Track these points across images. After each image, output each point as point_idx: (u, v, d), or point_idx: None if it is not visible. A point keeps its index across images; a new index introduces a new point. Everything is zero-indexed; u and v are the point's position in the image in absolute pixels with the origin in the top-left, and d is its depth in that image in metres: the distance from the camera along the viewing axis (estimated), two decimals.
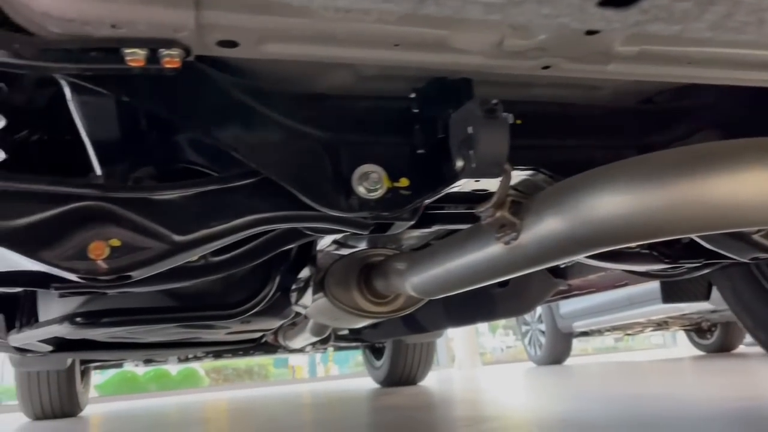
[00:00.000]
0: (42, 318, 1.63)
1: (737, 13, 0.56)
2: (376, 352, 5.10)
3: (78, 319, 1.39)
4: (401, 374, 4.76)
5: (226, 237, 0.91)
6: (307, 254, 1.57)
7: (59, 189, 0.81)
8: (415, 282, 1.25)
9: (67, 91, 0.94)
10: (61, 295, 1.26)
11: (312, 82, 0.95)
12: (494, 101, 0.81)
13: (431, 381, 5.14)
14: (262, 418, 3.26)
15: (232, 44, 0.74)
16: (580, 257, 0.90)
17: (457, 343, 9.03)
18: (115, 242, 0.84)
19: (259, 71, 0.90)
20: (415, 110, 0.97)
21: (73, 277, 0.85)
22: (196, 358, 4.30)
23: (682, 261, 1.41)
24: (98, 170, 1.07)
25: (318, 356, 13.84)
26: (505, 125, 0.82)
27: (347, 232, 1.01)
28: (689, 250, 1.36)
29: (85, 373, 4.55)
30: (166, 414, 4.43)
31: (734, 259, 1.26)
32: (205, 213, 0.89)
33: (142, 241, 0.85)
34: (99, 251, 0.83)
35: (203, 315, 1.49)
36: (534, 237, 0.87)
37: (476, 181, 1.02)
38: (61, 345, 2.02)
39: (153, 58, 0.72)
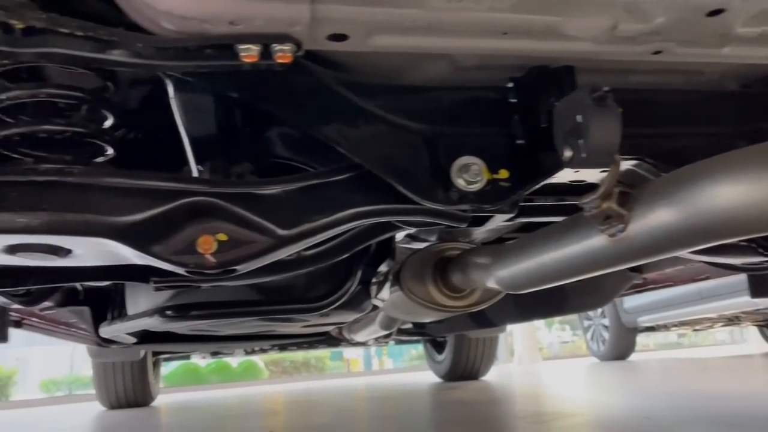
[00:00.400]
0: (130, 311, 1.69)
1: None
2: (438, 346, 5.09)
3: (168, 312, 1.43)
4: (464, 369, 4.74)
5: (327, 230, 0.91)
6: (387, 248, 1.57)
7: (171, 185, 0.83)
8: (503, 276, 1.23)
9: (170, 89, 0.96)
10: (157, 289, 1.29)
11: (406, 74, 0.94)
12: (605, 88, 0.78)
13: (491, 376, 5.10)
14: (333, 410, 3.29)
15: (341, 37, 0.74)
16: (691, 249, 0.86)
17: (516, 337, 8.92)
18: (222, 237, 0.86)
19: (354, 65, 0.90)
20: (513, 100, 0.95)
21: (181, 270, 0.87)
22: (262, 350, 4.38)
23: None
24: (194, 167, 1.09)
25: (372, 350, 13.94)
26: (616, 113, 0.79)
27: (443, 225, 0.99)
28: None
29: (155, 365, 4.70)
30: (235, 405, 4.53)
31: None
32: (307, 207, 0.89)
33: (248, 236, 0.86)
34: (207, 246, 0.85)
35: (287, 308, 1.51)
36: (644, 228, 0.83)
37: (575, 171, 0.99)
38: (144, 337, 2.09)
39: (266, 53, 0.73)
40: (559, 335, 18.01)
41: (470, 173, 0.89)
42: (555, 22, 0.74)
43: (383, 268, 1.59)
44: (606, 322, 7.20)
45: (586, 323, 7.74)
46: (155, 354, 4.39)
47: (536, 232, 1.17)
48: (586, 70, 0.93)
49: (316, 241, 0.94)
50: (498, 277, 1.24)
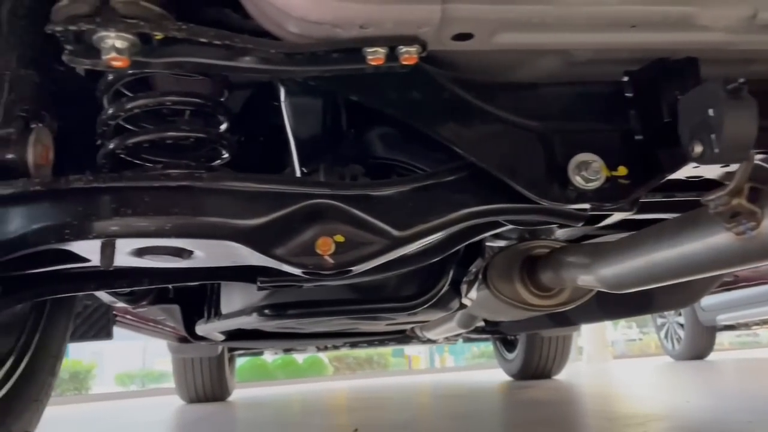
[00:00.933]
0: (224, 309, 1.73)
1: None
2: (508, 344, 5.02)
3: (267, 311, 1.46)
4: (536, 367, 4.66)
5: (440, 231, 0.91)
6: (478, 247, 1.55)
7: (295, 189, 0.84)
8: (606, 274, 1.19)
9: (282, 93, 0.98)
10: (260, 288, 1.32)
11: (516, 71, 0.92)
12: (741, 80, 0.75)
13: (563, 375, 4.99)
14: (410, 407, 3.30)
15: (466, 37, 0.73)
16: None
17: (585, 336, 8.71)
18: (340, 238, 0.86)
19: (469, 63, 0.89)
20: (629, 94, 0.92)
21: (297, 272, 0.89)
22: (334, 347, 4.43)
23: None
24: (297, 168, 1.11)
25: (434, 347, 13.91)
26: (753, 106, 0.75)
27: (556, 224, 0.98)
28: None
29: (231, 360, 4.83)
30: (311, 401, 4.61)
31: None
32: (422, 208, 0.89)
33: (364, 237, 0.87)
34: (326, 247, 0.86)
35: (380, 308, 1.52)
36: None
37: (695, 167, 0.96)
38: (232, 334, 2.15)
39: (392, 55, 0.73)
40: (625, 333, 17.51)
41: (589, 171, 0.87)
42: (690, 13, 0.71)
43: (474, 267, 1.57)
44: (681, 320, 6.94)
45: (660, 321, 7.48)
46: (230, 350, 4.52)
47: (646, 229, 1.13)
48: (707, 61, 0.89)
49: (428, 242, 0.94)
50: (600, 275, 1.21)
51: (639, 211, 1.34)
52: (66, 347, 1.40)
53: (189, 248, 0.89)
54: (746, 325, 6.83)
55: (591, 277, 1.25)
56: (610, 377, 5.09)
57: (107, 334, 1.79)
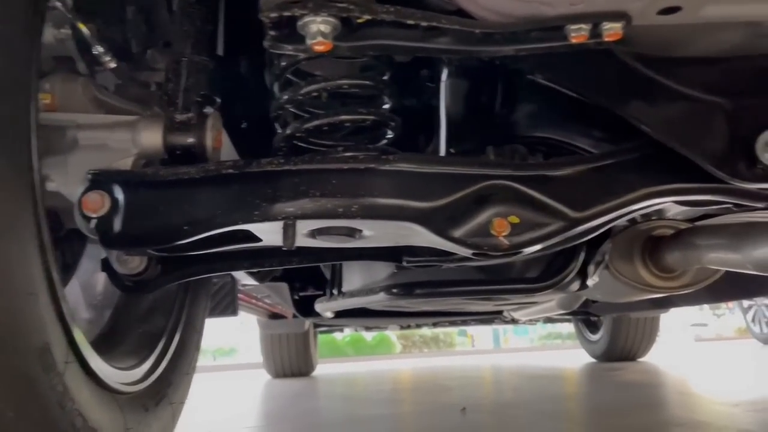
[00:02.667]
0: (345, 288, 1.76)
1: None
2: (591, 325, 4.93)
3: (395, 290, 1.47)
4: (622, 349, 4.56)
5: (617, 211, 0.89)
6: (609, 227, 1.52)
7: (475, 170, 0.84)
8: (760, 255, 1.15)
9: (444, 73, 0.97)
10: (398, 268, 1.34)
11: (697, 45, 0.88)
12: None
13: (646, 357, 4.86)
14: (504, 387, 3.30)
15: (674, 10, 0.70)
16: None
17: (665, 317, 8.44)
18: (514, 219, 0.86)
19: (643, 39, 0.86)
20: None
21: (469, 252, 0.89)
22: (417, 326, 4.46)
23: None
24: (443, 148, 1.10)
25: (501, 327, 13.82)
26: None
27: (736, 204, 0.94)
28: None
29: (315, 337, 4.94)
30: (388, 378, 4.67)
31: None
32: (599, 188, 0.87)
33: (539, 218, 0.86)
34: (501, 228, 0.85)
35: (508, 288, 1.51)
36: None
37: None
38: (340, 312, 2.19)
39: (595, 32, 0.71)
40: (697, 316, 16.87)
41: None
42: None
43: (604, 247, 1.54)
44: None
45: (746, 304, 7.18)
46: (315, 326, 4.62)
47: None
48: None
49: (602, 224, 0.92)
50: (753, 257, 1.16)
51: None
52: (205, 323, 1.45)
53: (362, 229, 0.90)
54: None
55: (738, 257, 1.20)
56: (696, 360, 4.93)
57: (233, 311, 1.85)
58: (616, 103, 0.83)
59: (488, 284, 1.51)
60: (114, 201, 0.84)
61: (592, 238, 1.54)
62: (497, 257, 0.90)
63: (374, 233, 0.93)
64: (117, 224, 0.84)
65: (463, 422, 1.91)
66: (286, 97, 0.89)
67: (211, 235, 0.90)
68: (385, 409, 2.43)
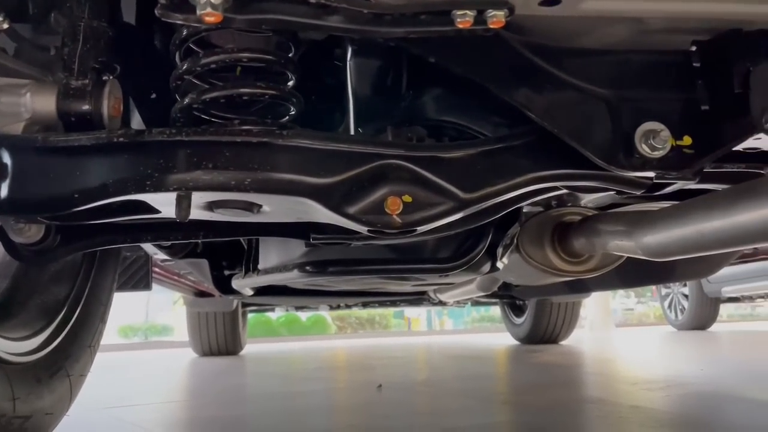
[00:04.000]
0: (261, 265, 1.76)
1: None
2: (516, 309, 5.09)
3: (308, 267, 1.49)
4: (544, 332, 4.74)
5: (506, 194, 0.92)
6: (517, 211, 1.57)
7: (370, 149, 0.86)
8: (649, 242, 1.22)
9: (349, 52, 0.98)
10: (308, 245, 1.35)
11: (588, 37, 0.93)
12: None
13: (570, 341, 5.07)
14: (426, 367, 3.37)
15: (555, 2, 0.74)
16: None
17: (588, 303, 8.80)
18: (408, 198, 0.88)
19: (541, 28, 0.90)
20: (696, 64, 0.92)
21: (364, 230, 0.91)
22: (347, 306, 4.50)
23: None
24: (352, 127, 1.12)
25: (434, 310, 14.08)
26: None
27: (616, 190, 0.99)
28: None
29: (243, 316, 4.91)
30: (319, 356, 4.70)
31: None
32: (489, 171, 0.91)
33: (431, 198, 0.89)
34: (395, 206, 0.87)
35: (418, 268, 1.55)
36: None
37: (756, 138, 0.97)
38: (261, 289, 2.19)
39: (480, 19, 0.74)
40: (623, 302, 17.67)
41: (656, 139, 0.88)
42: None
43: (511, 231, 1.60)
44: (686, 290, 7.02)
45: (664, 291, 7.56)
46: (244, 306, 4.59)
47: (694, 199, 1.15)
48: None
49: (491, 205, 0.96)
50: (642, 243, 1.23)
51: (704, 182, 1.37)
52: (113, 296, 1.43)
53: (260, 203, 0.91)
54: (750, 298, 6.90)
55: (632, 244, 1.27)
56: (616, 344, 5.17)
57: (146, 285, 1.82)
58: (505, 89, 0.86)
59: (399, 263, 1.54)
60: (1, 165, 0.82)
61: (500, 222, 1.60)
62: (392, 235, 0.92)
63: (273, 208, 0.94)
64: (3, 190, 0.82)
65: (377, 398, 1.96)
66: (185, 67, 0.89)
67: (107, 205, 0.89)
68: (305, 387, 2.46)
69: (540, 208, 1.81)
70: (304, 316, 12.51)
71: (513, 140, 0.93)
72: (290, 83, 0.97)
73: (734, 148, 1.06)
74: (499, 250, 1.67)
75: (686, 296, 7.03)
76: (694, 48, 0.92)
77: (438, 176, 0.89)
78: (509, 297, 4.20)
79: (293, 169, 0.83)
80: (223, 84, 0.89)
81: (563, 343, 4.87)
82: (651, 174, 0.90)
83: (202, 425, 1.71)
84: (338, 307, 4.54)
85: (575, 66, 0.91)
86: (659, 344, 5.06)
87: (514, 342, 5.19)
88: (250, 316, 5.27)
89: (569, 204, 1.78)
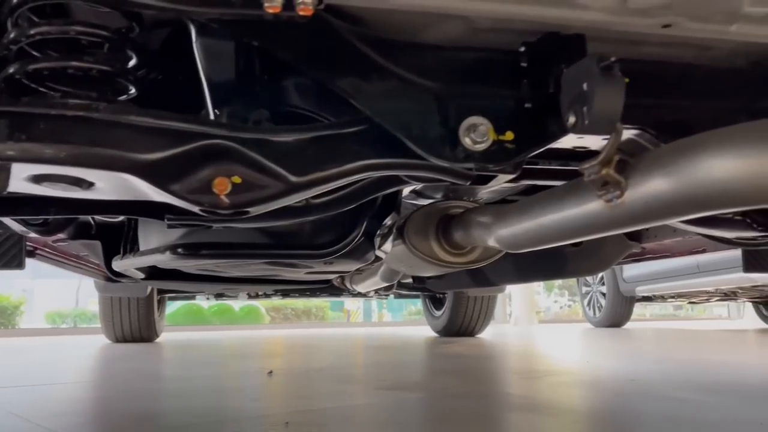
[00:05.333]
0: (142, 247, 1.75)
1: None
2: (437, 302, 5.19)
3: (180, 250, 1.49)
4: (460, 325, 4.85)
5: (336, 180, 0.95)
6: (393, 202, 1.61)
7: (192, 127, 0.87)
8: (503, 235, 1.27)
9: (193, 33, 0.99)
10: (170, 226, 1.35)
11: (424, 32, 0.96)
12: (612, 58, 0.81)
13: (487, 334, 5.21)
14: (331, 355, 3.40)
15: None
16: (683, 218, 0.90)
17: (515, 299, 9.05)
18: (237, 179, 0.90)
19: (376, 20, 0.93)
20: (524, 64, 0.97)
21: (195, 209, 0.92)
22: (266, 295, 4.48)
23: None
24: (211, 110, 1.13)
25: (374, 303, 14.16)
26: (621, 83, 0.82)
27: (447, 181, 1.03)
28: None
29: (161, 303, 4.82)
30: (237, 346, 4.66)
31: None
32: (319, 156, 0.93)
33: (261, 180, 0.91)
34: (222, 187, 0.89)
35: (293, 253, 1.57)
36: (639, 196, 0.87)
37: (579, 137, 1.03)
38: (152, 273, 2.16)
39: (288, 5, 0.76)
40: (557, 300, 18.25)
41: (477, 133, 0.93)
42: None
43: (388, 221, 1.64)
44: (604, 289, 7.30)
45: (584, 289, 7.84)
46: (161, 292, 4.51)
47: (537, 194, 1.21)
48: (598, 39, 0.95)
49: (326, 190, 0.98)
50: (498, 236, 1.29)
51: (543, 178, 1.43)
52: None
53: (88, 179, 0.91)
54: (662, 297, 7.24)
55: (492, 237, 1.33)
56: (530, 338, 5.34)
57: (18, 264, 1.77)
58: (330, 77, 0.89)
59: (273, 248, 1.56)
60: None
61: (377, 212, 1.64)
62: (224, 215, 0.93)
63: (103, 185, 0.94)
64: None
65: (261, 383, 1.97)
66: (11, 36, 0.87)
67: None
68: (199, 372, 2.45)
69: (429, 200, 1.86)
70: (236, 306, 12.36)
71: (345, 127, 0.95)
72: (131, 62, 0.97)
73: (566, 146, 1.13)
74: (377, 240, 1.71)
75: (604, 295, 7.32)
76: (522, 49, 0.97)
77: (267, 159, 0.91)
78: (425, 290, 4.27)
79: (114, 144, 0.83)
80: (47, 56, 0.88)
81: (479, 336, 5.00)
82: (472, 165, 0.95)
83: (61, 404, 1.68)
84: (257, 295, 4.52)
85: (408, 60, 0.94)
86: (569, 339, 5.25)
87: (434, 334, 5.28)
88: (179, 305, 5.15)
89: (465, 197, 1.84)
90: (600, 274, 7.37)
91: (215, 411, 1.48)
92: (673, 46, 1.02)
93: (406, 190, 1.75)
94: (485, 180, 1.09)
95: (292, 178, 0.92)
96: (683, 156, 0.80)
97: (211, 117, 1.13)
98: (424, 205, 1.65)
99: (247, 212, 0.95)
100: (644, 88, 1.01)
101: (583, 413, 1.41)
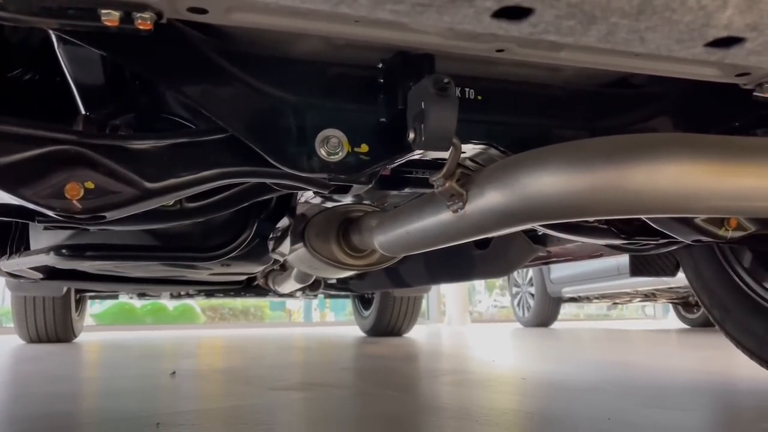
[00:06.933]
0: (33, 247, 1.72)
1: (618, 32, 0.62)
2: (365, 302, 5.24)
3: (63, 251, 1.48)
4: (387, 325, 4.92)
5: (193, 187, 0.98)
6: (286, 205, 1.64)
7: (40, 133, 0.88)
8: (382, 240, 1.33)
9: (54, 39, 1.00)
10: (45, 228, 1.34)
11: (284, 46, 1.00)
12: (446, 80, 0.87)
13: (420, 334, 5.30)
14: (248, 355, 3.40)
15: (201, 11, 0.79)
16: (518, 229, 0.97)
17: (449, 300, 9.22)
18: (90, 185, 0.91)
19: (234, 34, 0.96)
20: (381, 80, 1.02)
21: (50, 213, 0.93)
22: (189, 295, 4.43)
23: (637, 237, 1.48)
24: (83, 111, 1.13)
25: (315, 302, 14.12)
26: (454, 103, 0.87)
27: (308, 189, 1.07)
28: (643, 228, 1.43)
29: (80, 302, 4.70)
30: (158, 345, 4.59)
31: (679, 240, 1.33)
32: (175, 163, 0.95)
33: (114, 186, 0.92)
34: (74, 192, 0.90)
35: (182, 255, 1.58)
36: (477, 208, 0.94)
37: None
38: (52, 273, 2.13)
39: (127, 19, 0.78)
40: (498, 300, 18.61)
41: (330, 145, 0.97)
42: (398, 17, 0.81)
43: (281, 224, 1.66)
44: (533, 290, 7.52)
45: (515, 290, 8.06)
46: (79, 291, 4.40)
47: (407, 203, 1.27)
48: (451, 58, 1.01)
49: (184, 196, 1.01)
50: (379, 240, 1.34)
51: (418, 186, 1.49)
52: None
53: None
54: (588, 299, 7.51)
55: (375, 241, 1.38)
56: (457, 338, 5.45)
57: None
58: (183, 87, 0.91)
59: (160, 251, 1.57)
60: None
61: (269, 214, 1.67)
62: (81, 219, 0.95)
63: None
64: None
65: (161, 384, 1.96)
66: None
67: None
68: (103, 373, 2.42)
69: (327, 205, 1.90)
70: (170, 305, 12.11)
71: (203, 135, 0.98)
72: None
73: (428, 158, 1.19)
74: (270, 243, 1.74)
75: (533, 295, 7.54)
76: (380, 65, 1.02)
77: (120, 165, 0.93)
78: (349, 290, 4.32)
79: None
80: None
81: (406, 335, 5.07)
82: (326, 176, 0.99)
83: None
84: (180, 295, 4.47)
85: (266, 72, 0.97)
86: (492, 338, 5.40)
87: (362, 334, 5.33)
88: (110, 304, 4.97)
89: (373, 202, 1.88)
90: (529, 275, 7.60)
91: (94, 413, 1.48)
92: (523, 67, 1.09)
93: (311, 193, 1.79)
94: (345, 189, 1.13)
95: (147, 185, 0.94)
96: (507, 172, 0.87)
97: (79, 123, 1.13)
98: (325, 209, 1.69)
99: (103, 217, 0.96)
100: (494, 105, 1.07)
101: (445, 408, 1.48)
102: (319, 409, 1.52)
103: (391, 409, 1.52)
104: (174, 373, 2.21)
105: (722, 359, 2.84)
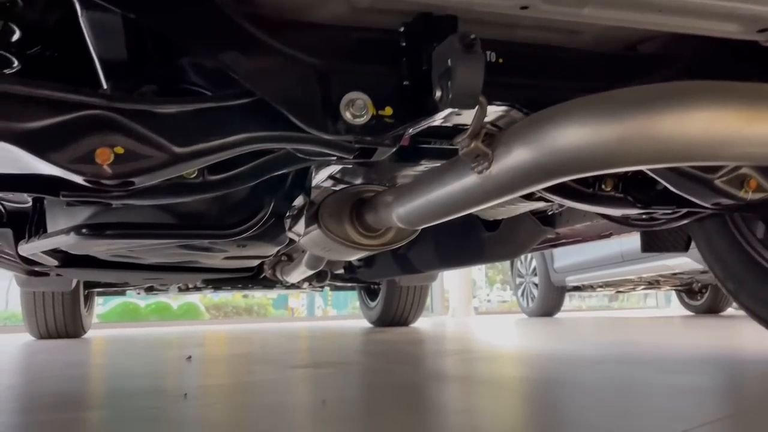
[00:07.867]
0: (50, 230, 1.72)
1: None
2: (371, 293, 5.25)
3: (84, 230, 1.48)
4: (394, 315, 4.92)
5: (221, 152, 0.98)
6: (302, 183, 1.65)
7: (71, 97, 0.88)
8: (401, 213, 1.33)
9: (78, 8, 1.00)
10: (68, 204, 1.35)
11: (309, 11, 1.01)
12: (472, 36, 0.87)
13: (425, 325, 5.31)
14: (259, 344, 3.41)
15: None
16: (543, 185, 0.97)
17: (453, 292, 9.24)
18: (119, 150, 0.92)
19: (262, 1, 0.96)
20: (403, 43, 1.03)
21: (79, 179, 0.94)
22: (197, 288, 4.44)
23: (654, 206, 1.49)
24: (105, 86, 1.14)
25: (318, 299, 14.15)
26: (480, 59, 0.88)
27: (333, 155, 1.08)
28: (660, 195, 1.44)
29: (88, 298, 4.71)
30: (168, 338, 4.60)
31: (701, 206, 1.34)
32: (202, 128, 0.96)
33: (144, 150, 0.93)
34: (104, 156, 0.91)
35: (201, 233, 1.58)
36: (503, 167, 0.94)
37: (458, 114, 1.09)
38: (66, 261, 2.13)
39: None
40: (500, 294, 18.63)
41: (356, 107, 0.98)
42: None
43: (298, 202, 1.67)
44: (536, 280, 7.53)
45: (518, 281, 8.06)
46: (87, 287, 4.41)
47: (426, 172, 1.27)
48: (473, 21, 1.02)
49: (212, 162, 1.01)
50: (398, 214, 1.35)
51: (434, 157, 1.49)
52: None
53: None
54: (591, 287, 7.52)
55: (394, 216, 1.38)
56: (461, 327, 5.47)
57: None
58: (213, 52, 0.92)
59: (180, 228, 1.57)
60: None
61: (286, 192, 1.67)
62: (109, 186, 0.95)
63: None
64: None
65: (179, 366, 1.97)
66: None
67: None
68: (118, 360, 2.43)
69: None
70: (175, 304, 12.14)
71: (229, 100, 0.99)
72: (14, 36, 0.97)
73: (449, 124, 1.20)
74: (287, 221, 1.74)
75: (536, 285, 7.55)
76: (402, 29, 1.03)
77: (149, 130, 0.93)
78: (357, 280, 4.32)
79: None
80: None
81: (413, 325, 5.08)
82: (351, 138, 1.00)
83: None
84: (187, 289, 4.47)
85: (293, 37, 0.98)
86: (498, 328, 5.41)
87: (369, 325, 5.34)
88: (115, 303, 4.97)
89: (384, 182, 1.89)
90: (533, 265, 7.61)
91: (117, 390, 1.49)
92: (544, 30, 1.09)
93: (324, 175, 1.79)
94: (369, 153, 1.14)
95: (176, 149, 0.95)
96: (534, 128, 0.88)
97: (104, 87, 1.14)
98: (336, 190, 1.70)
99: (132, 182, 0.97)
100: (515, 68, 1.08)
101: (456, 378, 1.49)
102: (340, 381, 1.53)
103: (405, 379, 1.53)
104: (190, 357, 2.22)
105: (728, 339, 2.86)
